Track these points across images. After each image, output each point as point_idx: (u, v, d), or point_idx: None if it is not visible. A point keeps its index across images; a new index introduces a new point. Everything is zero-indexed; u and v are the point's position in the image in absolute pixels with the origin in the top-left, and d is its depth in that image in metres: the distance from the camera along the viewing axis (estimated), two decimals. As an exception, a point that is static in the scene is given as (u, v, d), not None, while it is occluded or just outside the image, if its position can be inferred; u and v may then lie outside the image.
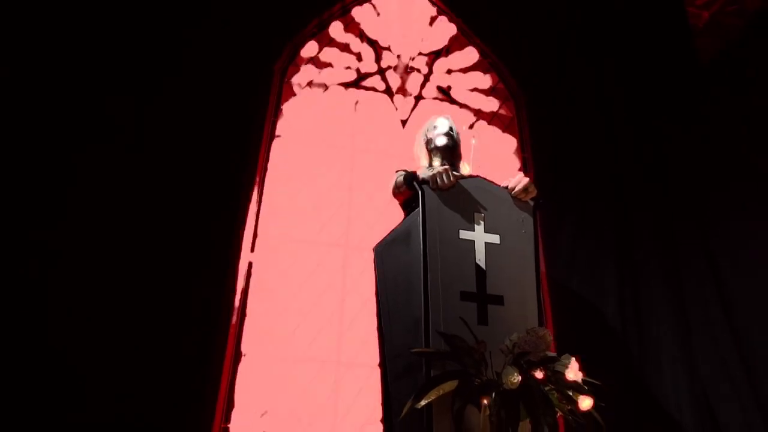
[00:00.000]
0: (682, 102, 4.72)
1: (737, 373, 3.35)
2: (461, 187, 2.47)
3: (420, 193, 2.41)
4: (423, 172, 2.82)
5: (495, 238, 2.43)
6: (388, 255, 2.62)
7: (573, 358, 1.78)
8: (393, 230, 2.64)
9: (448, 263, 2.34)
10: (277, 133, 4.10)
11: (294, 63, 4.45)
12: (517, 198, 2.48)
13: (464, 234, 2.40)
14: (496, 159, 4.42)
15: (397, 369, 2.30)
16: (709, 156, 4.40)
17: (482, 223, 2.44)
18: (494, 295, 2.30)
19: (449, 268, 2.34)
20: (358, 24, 4.80)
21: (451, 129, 2.95)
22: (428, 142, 2.96)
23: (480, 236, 2.41)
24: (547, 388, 1.67)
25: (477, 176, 2.60)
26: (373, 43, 4.72)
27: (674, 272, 3.92)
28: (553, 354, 1.76)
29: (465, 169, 2.94)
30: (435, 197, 2.41)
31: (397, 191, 2.86)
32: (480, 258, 2.35)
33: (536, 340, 1.72)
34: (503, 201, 2.55)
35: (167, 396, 2.98)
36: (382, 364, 2.48)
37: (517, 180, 2.43)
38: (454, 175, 2.31)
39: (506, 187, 2.47)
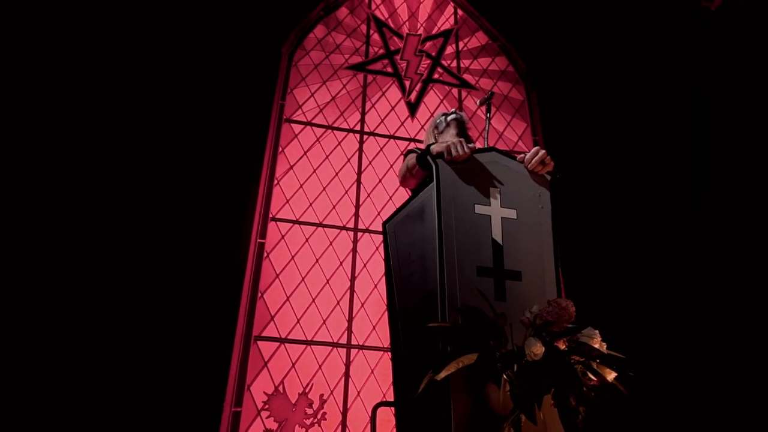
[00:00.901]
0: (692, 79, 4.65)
1: None
2: (476, 161, 2.40)
3: (434, 167, 2.34)
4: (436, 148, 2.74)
5: (512, 213, 2.37)
6: (402, 231, 2.56)
7: (596, 331, 1.72)
8: (404, 206, 2.58)
9: (464, 239, 2.27)
10: (285, 116, 4.05)
11: (302, 46, 4.40)
12: (533, 171, 2.42)
13: (480, 209, 2.34)
14: (506, 142, 4.36)
15: (412, 346, 2.25)
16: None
17: (498, 197, 2.38)
18: (512, 270, 2.24)
19: (465, 244, 2.28)
20: (366, 6, 4.74)
21: (459, 113, 2.88)
22: (437, 126, 2.86)
23: (496, 211, 2.35)
24: (570, 360, 1.62)
25: (492, 149, 2.54)
26: (381, 26, 4.66)
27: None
28: (576, 326, 1.71)
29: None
30: (450, 171, 2.35)
31: (409, 174, 2.70)
32: (496, 233, 2.29)
33: (559, 311, 1.67)
34: (519, 175, 2.48)
35: (177, 379, 2.95)
36: (393, 343, 2.43)
37: (534, 152, 2.37)
38: (468, 147, 2.25)
39: (522, 161, 2.41)
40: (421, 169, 2.54)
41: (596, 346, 1.67)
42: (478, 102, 2.68)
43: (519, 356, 1.65)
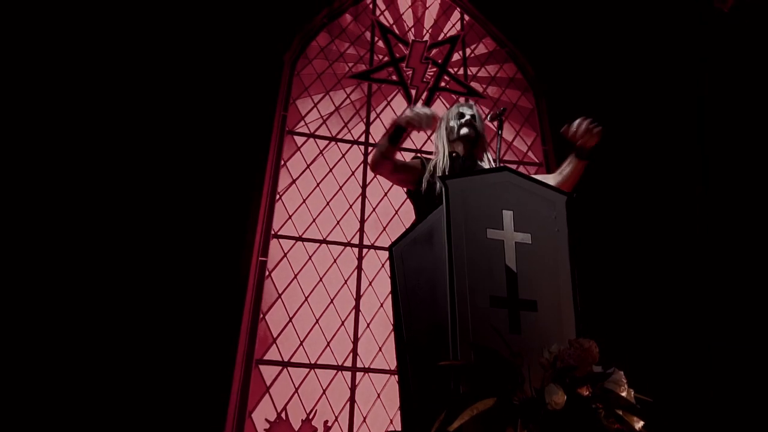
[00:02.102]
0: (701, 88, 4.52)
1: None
2: (487, 181, 2.27)
3: (444, 189, 2.21)
4: (437, 158, 2.60)
5: (526, 237, 2.23)
6: (409, 256, 2.42)
7: (622, 373, 1.59)
8: (412, 228, 2.45)
9: (475, 266, 2.14)
10: (287, 128, 3.93)
11: (304, 55, 4.28)
12: (548, 190, 2.27)
13: (492, 233, 2.20)
14: (515, 152, 4.22)
15: (422, 380, 2.12)
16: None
17: (511, 220, 2.24)
18: (527, 300, 2.10)
19: (477, 272, 2.14)
20: (370, 13, 4.61)
21: (474, 117, 2.70)
22: (450, 131, 2.70)
23: (509, 235, 2.21)
24: (593, 407, 1.49)
25: (504, 168, 2.41)
26: (385, 33, 4.53)
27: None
28: (600, 370, 1.57)
29: (488, 160, 2.72)
30: (460, 193, 2.22)
31: (381, 157, 2.43)
32: (510, 259, 2.16)
33: (582, 354, 1.54)
34: (533, 196, 2.34)
35: (176, 405, 2.83)
36: (401, 374, 2.29)
37: (579, 122, 2.25)
38: (431, 112, 2.13)
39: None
40: (391, 146, 2.40)
41: (623, 393, 1.53)
42: (488, 117, 2.54)
43: (539, 403, 1.52)
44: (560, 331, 2.02)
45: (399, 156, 3.94)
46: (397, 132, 2.25)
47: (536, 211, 2.26)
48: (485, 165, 2.57)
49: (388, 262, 3.45)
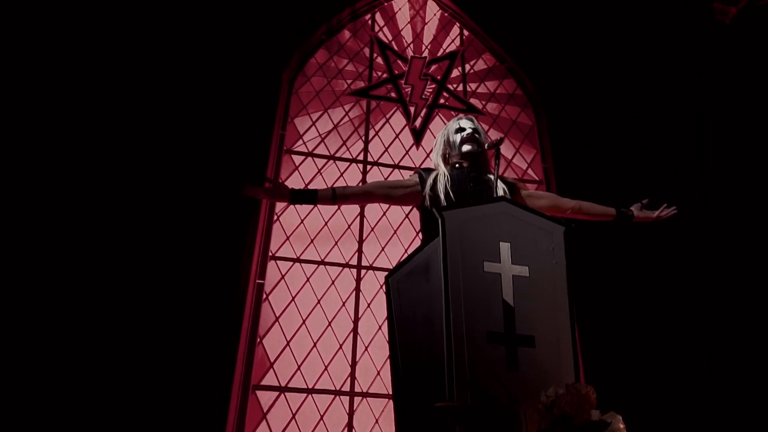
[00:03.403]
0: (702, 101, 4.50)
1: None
2: (484, 212, 2.25)
3: (440, 220, 2.19)
4: (436, 173, 2.57)
5: (523, 270, 2.20)
6: (406, 288, 2.39)
7: (620, 418, 1.57)
8: (408, 260, 2.42)
9: (472, 300, 2.11)
10: (285, 147, 3.91)
11: (302, 72, 4.26)
12: (545, 221, 2.25)
13: (489, 266, 2.18)
14: (515, 170, 4.19)
15: (419, 417, 2.09)
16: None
17: (509, 253, 2.21)
18: (524, 335, 2.08)
19: (474, 306, 2.12)
20: (369, 29, 4.60)
21: (476, 132, 2.65)
22: (451, 146, 2.64)
23: (507, 268, 2.19)
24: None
25: (502, 198, 2.39)
26: (384, 49, 4.52)
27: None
28: (597, 418, 1.55)
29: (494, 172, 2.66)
30: (457, 225, 2.20)
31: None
32: (507, 293, 2.13)
33: (579, 401, 1.51)
34: (531, 227, 2.32)
35: (174, 430, 2.81)
36: (396, 404, 2.25)
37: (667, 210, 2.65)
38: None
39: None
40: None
41: (621, 440, 1.50)
42: (486, 145, 2.51)
43: (535, 452, 1.49)
44: (558, 366, 2.00)
45: (397, 173, 3.95)
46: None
47: (534, 243, 2.24)
48: (492, 177, 2.50)
49: (386, 285, 3.44)
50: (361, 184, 3.86)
